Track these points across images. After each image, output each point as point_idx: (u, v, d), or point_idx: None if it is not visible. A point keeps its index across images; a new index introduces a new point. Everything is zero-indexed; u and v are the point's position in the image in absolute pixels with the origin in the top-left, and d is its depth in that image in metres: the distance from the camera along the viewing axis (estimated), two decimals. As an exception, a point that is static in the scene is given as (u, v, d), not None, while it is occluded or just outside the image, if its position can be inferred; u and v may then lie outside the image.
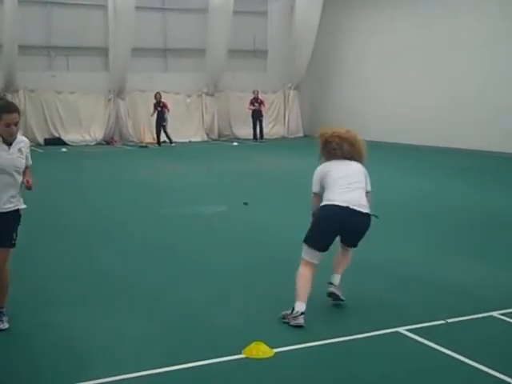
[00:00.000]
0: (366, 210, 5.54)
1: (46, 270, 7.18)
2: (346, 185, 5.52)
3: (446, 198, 11.67)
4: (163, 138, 22.62)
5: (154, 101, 22.42)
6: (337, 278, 5.80)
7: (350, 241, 5.73)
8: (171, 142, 22.59)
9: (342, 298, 5.77)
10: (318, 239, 5.45)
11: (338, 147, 5.72)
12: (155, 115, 22.38)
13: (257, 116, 24.39)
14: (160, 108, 22.31)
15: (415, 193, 12.26)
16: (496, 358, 4.67)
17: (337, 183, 5.52)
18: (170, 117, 22.67)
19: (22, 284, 6.63)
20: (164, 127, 22.51)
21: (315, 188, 5.68)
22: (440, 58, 20.64)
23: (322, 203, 5.53)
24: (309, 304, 5.44)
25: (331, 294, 5.75)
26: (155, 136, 22.70)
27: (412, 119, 21.56)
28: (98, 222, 9.85)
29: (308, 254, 5.49)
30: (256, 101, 24.28)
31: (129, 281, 6.74)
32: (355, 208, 5.44)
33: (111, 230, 9.29)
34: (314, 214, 5.65)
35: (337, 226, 5.47)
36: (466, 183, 13.59)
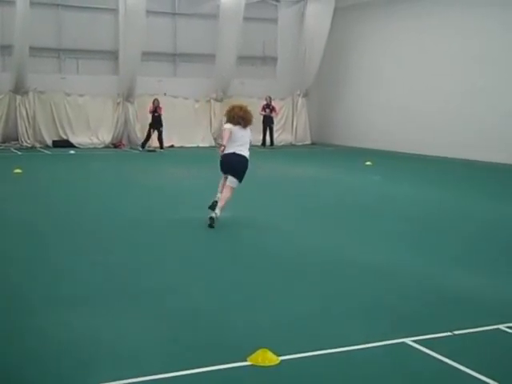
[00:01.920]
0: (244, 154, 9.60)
1: (53, 270, 7.19)
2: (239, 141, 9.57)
3: (457, 209, 11.64)
4: (155, 143, 22.66)
5: (151, 106, 22.35)
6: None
7: (234, 173, 9.59)
8: (162, 147, 22.63)
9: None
10: (222, 169, 9.75)
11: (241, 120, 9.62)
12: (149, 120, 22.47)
13: (267, 122, 24.38)
14: (157, 114, 22.35)
15: (426, 202, 12.24)
16: (502, 372, 4.65)
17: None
18: (177, 121, 22.87)
19: (27, 283, 6.65)
20: (161, 132, 22.54)
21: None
22: (449, 69, 20.66)
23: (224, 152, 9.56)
24: (314, 314, 5.40)
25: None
26: (145, 139, 22.56)
27: (420, 128, 21.54)
28: (106, 223, 9.84)
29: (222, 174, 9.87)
30: (268, 107, 24.29)
31: (135, 282, 6.74)
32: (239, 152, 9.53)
33: (118, 231, 9.29)
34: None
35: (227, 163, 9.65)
36: (479, 194, 13.56)
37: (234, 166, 9.54)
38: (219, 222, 9.56)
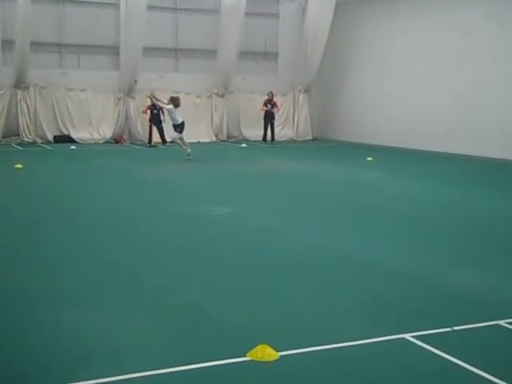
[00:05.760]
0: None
1: (53, 267, 7.19)
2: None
3: (458, 206, 11.63)
4: (157, 138, 22.63)
5: (149, 103, 22.18)
6: None
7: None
8: (165, 142, 22.57)
9: None
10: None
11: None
12: (147, 116, 22.41)
13: (269, 118, 24.39)
14: (157, 111, 22.19)
15: (427, 199, 12.23)
16: (502, 368, 4.64)
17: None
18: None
19: (30, 281, 6.65)
20: (162, 128, 22.45)
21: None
22: (448, 66, 20.62)
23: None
24: (313, 310, 5.42)
25: None
26: (149, 136, 22.55)
27: (421, 124, 21.51)
28: (106, 219, 9.85)
29: None
30: (269, 102, 24.28)
31: (135, 278, 6.74)
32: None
33: (118, 227, 9.29)
34: None
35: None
36: (477, 190, 13.54)
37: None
38: (222, 218, 9.56)
